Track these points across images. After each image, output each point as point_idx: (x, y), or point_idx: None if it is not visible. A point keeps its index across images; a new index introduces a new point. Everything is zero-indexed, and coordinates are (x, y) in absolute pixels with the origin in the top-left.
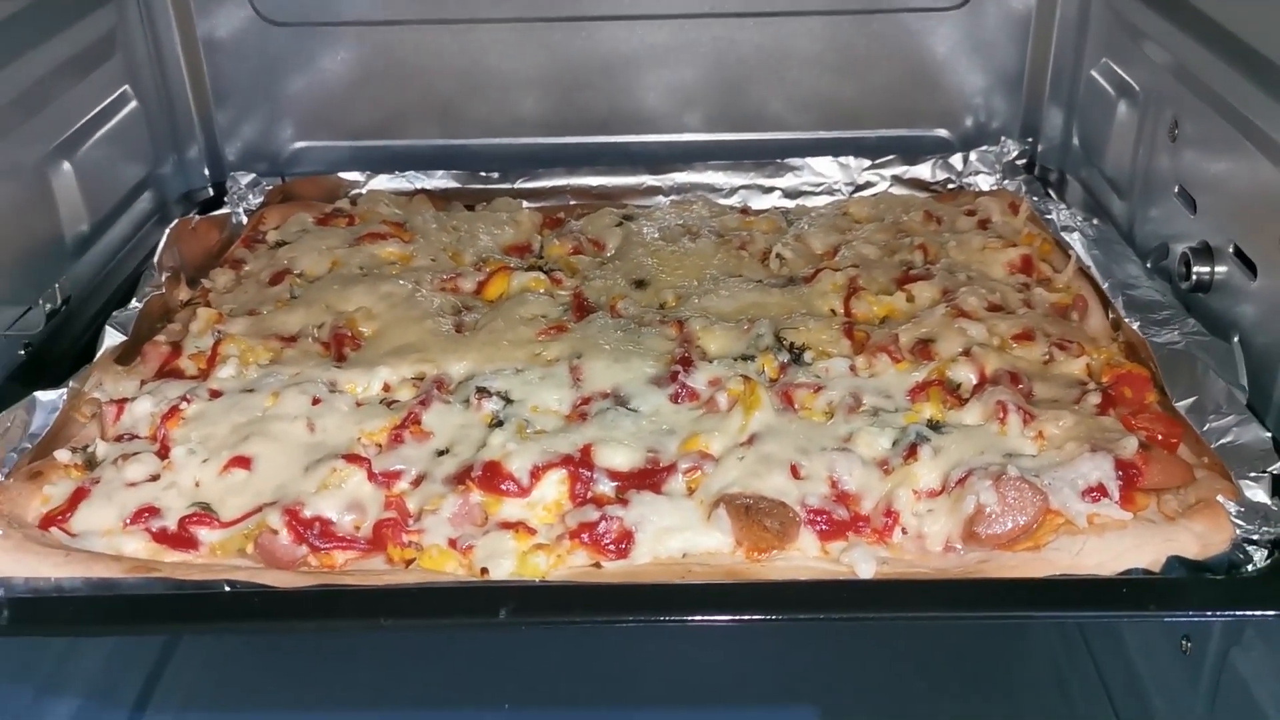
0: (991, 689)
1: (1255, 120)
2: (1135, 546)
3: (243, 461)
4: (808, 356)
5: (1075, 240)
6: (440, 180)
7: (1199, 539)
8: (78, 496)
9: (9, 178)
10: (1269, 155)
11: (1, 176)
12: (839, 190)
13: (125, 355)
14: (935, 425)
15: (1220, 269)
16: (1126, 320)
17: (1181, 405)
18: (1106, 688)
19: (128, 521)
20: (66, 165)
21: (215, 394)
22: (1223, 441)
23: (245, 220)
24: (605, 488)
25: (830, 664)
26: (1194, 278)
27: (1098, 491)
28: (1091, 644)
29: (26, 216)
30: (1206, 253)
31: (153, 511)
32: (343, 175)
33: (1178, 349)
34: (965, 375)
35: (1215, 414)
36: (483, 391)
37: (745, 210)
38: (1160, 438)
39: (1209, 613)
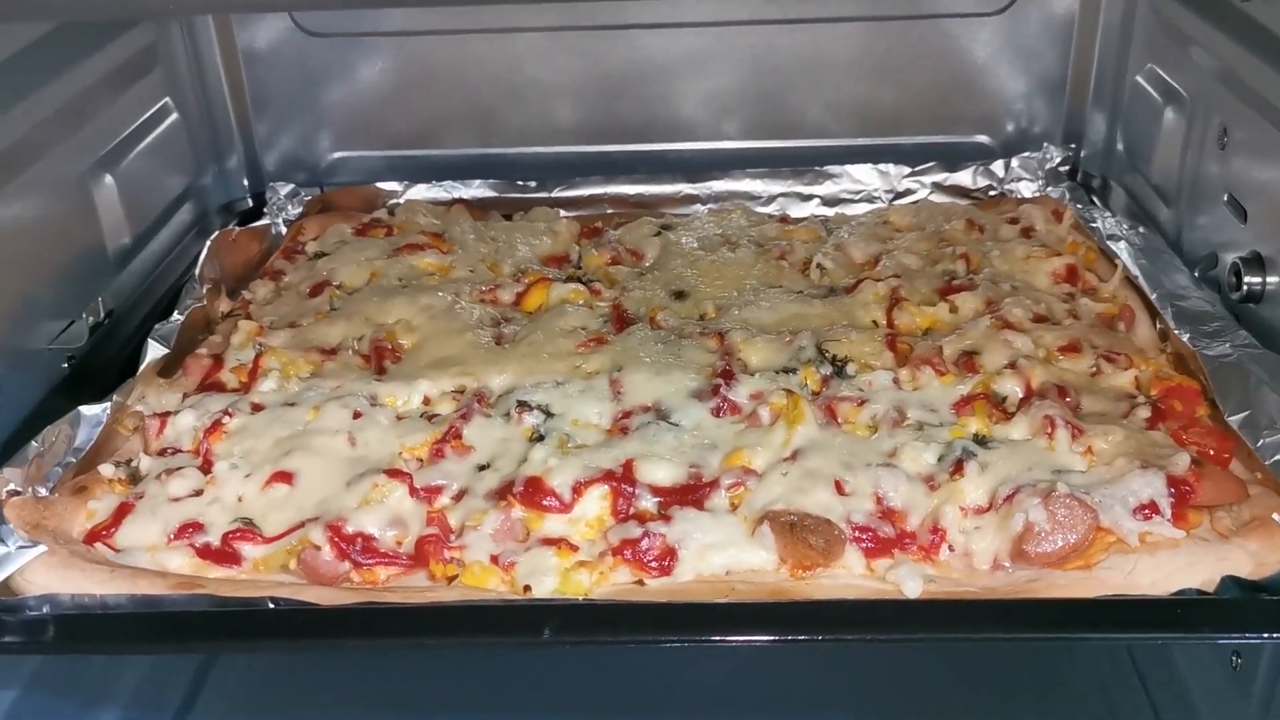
0: (1035, 704)
1: None
2: (1188, 565)
3: (285, 476)
4: (850, 369)
5: (1121, 249)
6: (478, 190)
7: (1254, 558)
8: (122, 511)
9: (52, 192)
10: None
11: (45, 190)
12: (879, 198)
13: (167, 368)
14: (981, 440)
15: (1272, 279)
16: (1176, 332)
17: (1234, 420)
18: (1153, 704)
19: (171, 537)
20: (109, 178)
21: (257, 407)
22: (1278, 457)
23: (284, 231)
24: (648, 503)
25: (870, 679)
26: (1245, 288)
27: (1149, 509)
28: (1138, 659)
29: (69, 230)
30: (1258, 262)
31: (196, 527)
32: (380, 185)
33: (1229, 361)
34: (1011, 388)
35: (1269, 429)
36: (523, 405)
37: (784, 219)
38: (1212, 453)
39: (1266, 635)
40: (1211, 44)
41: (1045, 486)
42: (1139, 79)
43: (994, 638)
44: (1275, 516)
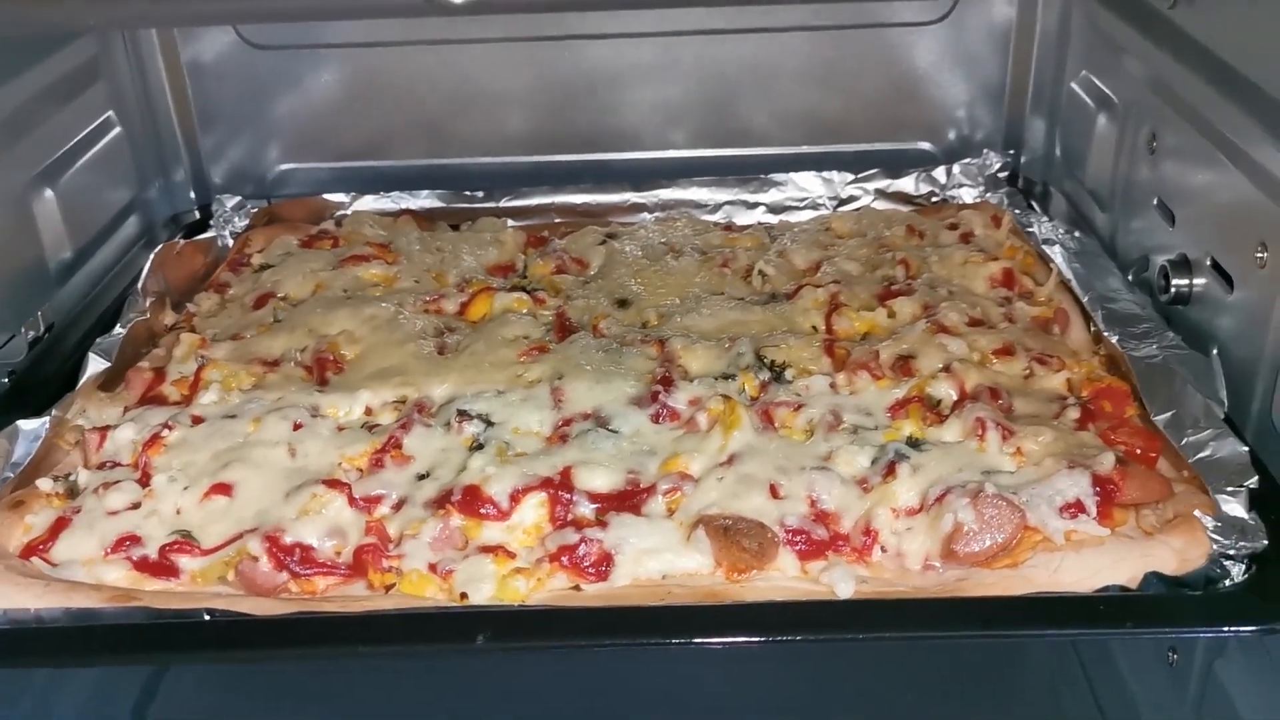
0: (982, 701)
1: (1230, 135)
2: (1113, 563)
3: (224, 488)
4: (788, 374)
5: (1056, 253)
6: (425, 200)
7: (1177, 554)
8: (59, 526)
9: None
10: (1243, 169)
11: None
12: (823, 205)
13: (109, 382)
14: (915, 442)
15: (1199, 281)
16: (1106, 334)
17: (1160, 419)
18: (1097, 699)
19: (109, 550)
20: (49, 192)
21: (197, 420)
22: (1201, 456)
23: (231, 243)
24: (585, 510)
25: (815, 681)
26: (1173, 290)
27: (1075, 508)
28: (1082, 655)
29: (8, 245)
30: (1185, 265)
31: (134, 540)
32: (328, 197)
33: (1156, 363)
34: (945, 391)
35: (1193, 428)
36: (463, 414)
37: (729, 227)
38: (1139, 452)
39: (1185, 629)
40: (1141, 52)
41: (974, 487)
42: (1074, 86)
43: (923, 636)
44: (1197, 514)
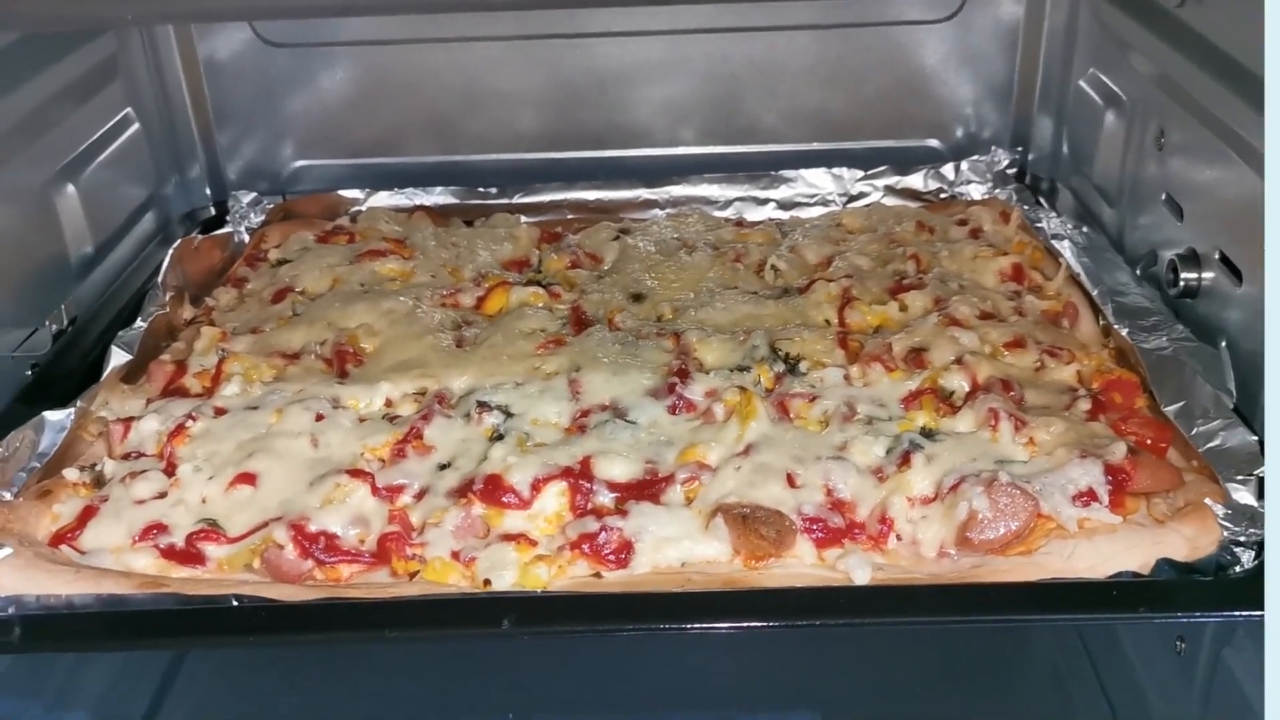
0: (990, 690)
1: (1238, 129)
2: (1125, 550)
3: (248, 478)
4: (803, 367)
5: (1065, 248)
6: (439, 196)
7: (1188, 542)
8: (86, 515)
9: (13, 202)
10: (1251, 164)
11: (6, 201)
12: (832, 201)
13: (131, 374)
14: (928, 433)
15: (1207, 275)
16: (1116, 327)
17: (1170, 410)
18: (1104, 688)
19: (136, 538)
20: (70, 188)
21: (220, 411)
22: (1210, 445)
23: (247, 239)
24: (605, 499)
25: (830, 669)
26: (1181, 284)
27: (1088, 496)
28: (1089, 645)
29: (31, 239)
30: (1193, 259)
31: (160, 528)
32: (343, 193)
33: (1166, 354)
34: (958, 383)
35: (1203, 418)
36: (483, 405)
37: (740, 222)
38: (1149, 442)
39: (1197, 614)
40: (1149, 49)
41: (988, 476)
42: (1082, 83)
43: (940, 622)
44: (1208, 502)
